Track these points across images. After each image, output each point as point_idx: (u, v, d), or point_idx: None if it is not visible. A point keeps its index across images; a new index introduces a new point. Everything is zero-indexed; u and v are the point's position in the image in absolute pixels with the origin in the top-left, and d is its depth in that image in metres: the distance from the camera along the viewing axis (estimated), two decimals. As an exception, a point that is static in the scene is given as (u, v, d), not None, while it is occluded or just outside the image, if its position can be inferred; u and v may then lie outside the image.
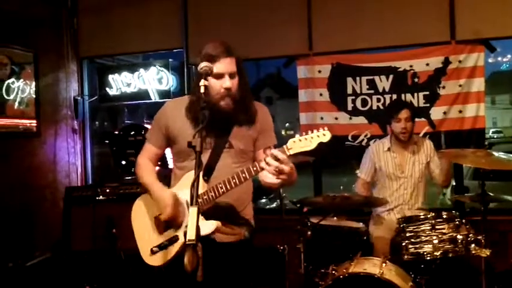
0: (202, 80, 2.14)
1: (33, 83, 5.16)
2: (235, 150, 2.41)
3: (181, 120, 2.42)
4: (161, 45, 5.33)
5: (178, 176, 2.45)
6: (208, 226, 2.17)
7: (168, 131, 2.49)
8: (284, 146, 2.14)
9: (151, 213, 2.48)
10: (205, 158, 2.30)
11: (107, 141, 5.11)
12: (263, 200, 8.61)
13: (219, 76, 2.34)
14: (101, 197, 4.43)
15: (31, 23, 5.06)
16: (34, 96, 5.16)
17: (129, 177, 4.80)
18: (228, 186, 2.24)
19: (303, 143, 2.14)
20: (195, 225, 1.66)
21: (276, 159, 2.08)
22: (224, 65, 2.33)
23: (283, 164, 2.10)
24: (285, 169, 2.10)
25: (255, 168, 2.18)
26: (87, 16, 5.58)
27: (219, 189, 2.25)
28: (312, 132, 2.16)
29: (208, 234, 2.17)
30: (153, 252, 2.26)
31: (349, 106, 4.78)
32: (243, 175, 2.21)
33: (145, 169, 2.57)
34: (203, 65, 2.24)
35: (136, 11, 5.35)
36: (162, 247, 2.27)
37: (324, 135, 2.14)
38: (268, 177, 2.17)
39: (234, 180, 2.23)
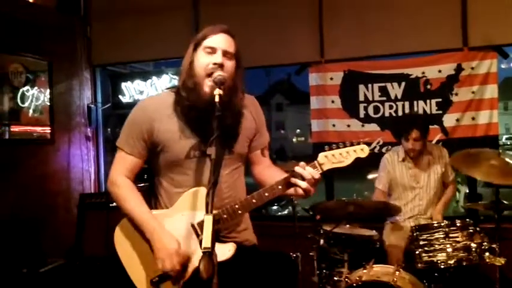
0: (217, 89, 1.94)
1: (48, 91, 5.24)
2: (234, 156, 2.14)
3: (170, 123, 2.07)
4: (173, 53, 5.29)
5: (171, 194, 2.11)
6: (225, 252, 1.98)
7: (152, 136, 2.08)
8: (315, 162, 1.93)
9: (143, 238, 2.08)
10: (207, 167, 2.02)
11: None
12: (274, 207, 8.60)
13: (210, 50, 2.03)
14: (114, 204, 4.44)
15: (45, 32, 5.14)
16: (48, 103, 5.24)
17: (142, 184, 4.81)
18: (248, 208, 1.98)
19: (336, 158, 1.91)
20: (211, 233, 1.66)
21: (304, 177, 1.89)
22: (218, 40, 2.04)
23: (313, 183, 1.91)
24: (313, 189, 1.92)
25: (280, 187, 1.96)
26: (100, 24, 5.65)
27: (236, 211, 1.98)
28: (346, 145, 1.93)
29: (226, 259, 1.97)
30: (153, 284, 2.01)
31: (361, 113, 4.78)
32: (266, 194, 1.96)
33: (129, 192, 2.11)
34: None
35: (149, 19, 5.40)
36: (165, 277, 2.00)
37: (362, 150, 1.92)
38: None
39: (253, 201, 1.97)
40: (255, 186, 2.20)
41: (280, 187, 1.96)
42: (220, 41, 2.04)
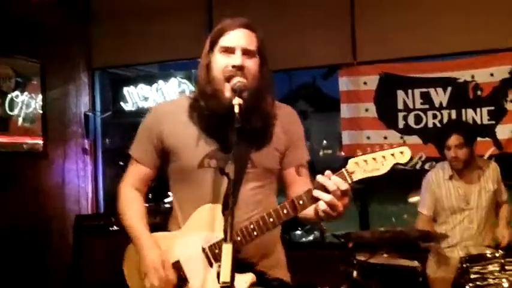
0: (237, 98, 1.88)
1: (40, 97, 5.30)
2: (258, 169, 2.08)
3: (183, 129, 2.09)
4: (183, 54, 5.34)
5: (185, 209, 2.11)
6: (241, 283, 1.92)
7: (163, 142, 2.12)
8: (343, 170, 1.83)
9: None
10: (222, 183, 1.98)
11: (121, 163, 5.18)
12: (298, 232, 8.54)
13: (228, 50, 2.00)
14: (114, 228, 4.50)
15: (38, 30, 5.21)
16: (40, 111, 5.30)
17: (147, 205, 4.85)
18: (264, 228, 1.91)
19: (369, 164, 1.82)
20: (230, 264, 1.65)
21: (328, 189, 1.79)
22: (236, 37, 2.00)
23: (339, 195, 1.80)
24: (342, 205, 1.81)
25: (301, 202, 1.86)
26: (101, 22, 5.72)
27: (251, 232, 1.92)
28: (382, 148, 1.82)
29: None
30: None
31: (400, 123, 4.78)
32: (284, 211, 1.89)
33: (131, 207, 2.17)
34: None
35: (155, 17, 5.45)
36: None
37: (402, 154, 1.82)
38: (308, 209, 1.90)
39: (271, 219, 1.90)
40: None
41: (301, 202, 1.87)
42: (238, 38, 2.01)
